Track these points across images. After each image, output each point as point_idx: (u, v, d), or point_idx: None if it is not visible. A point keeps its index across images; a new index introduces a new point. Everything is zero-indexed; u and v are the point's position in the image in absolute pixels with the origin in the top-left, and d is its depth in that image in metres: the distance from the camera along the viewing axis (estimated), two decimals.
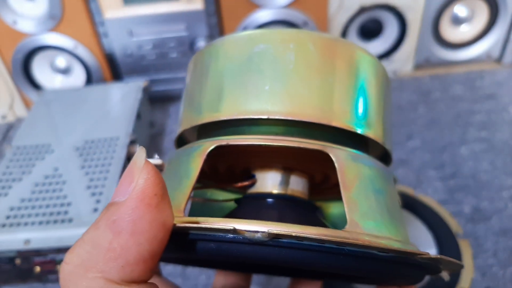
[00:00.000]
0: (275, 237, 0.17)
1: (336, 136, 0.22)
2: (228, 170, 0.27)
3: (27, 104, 0.80)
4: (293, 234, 0.16)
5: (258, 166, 0.26)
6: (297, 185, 0.25)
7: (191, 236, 0.18)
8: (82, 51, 0.72)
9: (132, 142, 0.60)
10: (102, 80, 0.75)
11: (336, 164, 0.20)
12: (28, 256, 0.50)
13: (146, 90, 0.70)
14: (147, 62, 0.74)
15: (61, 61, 0.75)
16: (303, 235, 0.16)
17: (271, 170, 0.25)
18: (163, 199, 0.16)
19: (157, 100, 0.78)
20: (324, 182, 0.28)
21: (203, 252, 0.18)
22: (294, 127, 0.22)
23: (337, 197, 0.30)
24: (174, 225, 0.17)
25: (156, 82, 0.76)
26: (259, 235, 0.16)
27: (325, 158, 0.22)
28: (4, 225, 0.50)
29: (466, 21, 0.76)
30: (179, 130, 0.26)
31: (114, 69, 0.76)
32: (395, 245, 0.18)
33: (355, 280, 0.29)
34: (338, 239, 0.17)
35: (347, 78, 0.22)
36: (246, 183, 0.25)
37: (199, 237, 0.18)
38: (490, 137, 0.64)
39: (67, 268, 0.15)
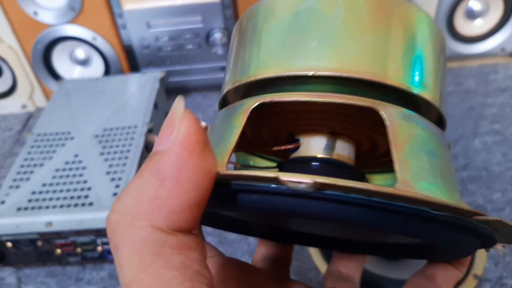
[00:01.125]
0: (320, 188, 0.16)
1: (387, 96, 0.21)
2: (271, 137, 0.27)
3: (46, 94, 0.82)
4: (340, 184, 0.15)
5: (302, 130, 0.25)
6: (343, 150, 0.24)
7: (234, 187, 0.17)
8: (101, 43, 0.74)
9: (150, 131, 0.61)
10: (120, 71, 0.77)
11: (387, 122, 0.19)
12: (49, 238, 0.52)
13: (162, 81, 0.71)
14: (163, 54, 0.75)
15: (80, 52, 0.77)
16: (351, 185, 0.15)
17: (316, 134, 0.24)
18: (206, 147, 0.16)
19: (173, 91, 0.79)
20: (371, 151, 0.27)
21: (244, 204, 0.17)
22: (343, 85, 0.21)
23: (384, 169, 0.29)
24: (218, 173, 0.16)
25: (172, 73, 0.77)
26: (303, 185, 0.16)
27: (375, 121, 0.21)
28: (26, 208, 0.52)
29: (481, 15, 0.77)
30: (223, 91, 0.25)
31: (131, 60, 0.77)
32: (451, 203, 0.17)
33: (400, 253, 0.28)
34: (389, 192, 0.16)
35: (401, 35, 0.21)
36: (289, 146, 0.25)
37: (241, 187, 0.17)
38: (503, 130, 0.65)
39: (114, 217, 0.15)
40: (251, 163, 0.31)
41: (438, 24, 0.75)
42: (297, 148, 0.25)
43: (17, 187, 0.55)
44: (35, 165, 0.57)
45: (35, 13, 0.71)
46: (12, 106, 0.83)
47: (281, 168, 0.26)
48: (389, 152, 0.26)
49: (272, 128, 0.26)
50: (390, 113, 0.20)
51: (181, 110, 0.16)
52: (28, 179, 0.56)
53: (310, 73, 0.20)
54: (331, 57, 0.20)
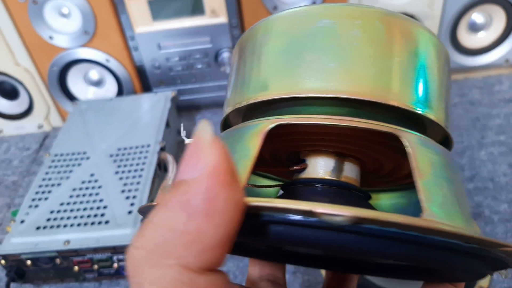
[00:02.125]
0: (357, 222, 0.15)
1: (398, 119, 0.21)
2: (272, 155, 0.26)
3: (62, 114, 0.85)
4: (379, 219, 0.15)
5: (308, 151, 0.24)
6: (351, 172, 0.24)
7: (264, 218, 0.16)
8: (114, 64, 0.76)
9: (162, 149, 0.63)
10: (132, 91, 0.79)
11: (409, 149, 0.19)
12: (67, 255, 0.54)
13: (174, 100, 0.73)
14: (174, 73, 0.78)
15: (94, 73, 0.79)
16: (392, 220, 0.15)
17: (323, 154, 0.24)
18: (235, 178, 0.15)
19: (184, 109, 0.81)
20: (375, 171, 0.26)
21: (275, 236, 0.16)
22: (356, 108, 0.21)
23: (387, 187, 0.29)
24: (247, 204, 0.15)
25: (183, 92, 0.80)
26: (339, 218, 0.15)
27: (383, 143, 0.21)
28: (45, 227, 0.54)
29: (484, 28, 0.78)
30: (227, 110, 0.24)
31: (143, 80, 0.80)
32: (484, 238, 0.17)
33: (398, 274, 0.27)
34: (427, 226, 0.15)
35: (412, 58, 0.21)
36: (298, 167, 0.24)
37: (272, 219, 0.16)
38: (508, 141, 0.66)
39: (137, 254, 0.14)
40: (251, 181, 0.29)
41: (441, 38, 0.77)
42: (304, 168, 0.24)
43: (36, 206, 0.57)
44: (53, 185, 0.59)
45: (51, 37, 0.74)
46: (29, 126, 0.86)
47: (287, 189, 0.25)
48: (394, 172, 0.26)
49: (275, 147, 0.25)
50: (411, 140, 0.19)
51: (210, 137, 0.15)
52: (46, 198, 0.58)
53: (328, 95, 0.20)
54: (349, 80, 0.20)
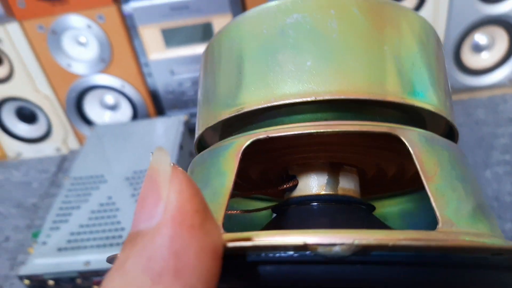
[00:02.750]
0: (361, 250, 0.13)
1: (392, 116, 0.19)
2: (261, 176, 0.23)
3: (78, 137, 0.88)
4: (390, 244, 0.12)
5: (298, 165, 0.21)
6: (348, 183, 0.21)
7: (250, 258, 0.13)
8: (129, 90, 0.79)
9: None
10: (146, 115, 0.82)
11: (410, 149, 0.16)
12: (87, 276, 0.56)
13: (186, 123, 0.76)
14: (187, 98, 0.81)
15: (110, 98, 0.83)
16: (401, 244, 0.12)
17: (314, 168, 0.21)
18: (207, 216, 0.12)
19: None
20: (377, 178, 0.23)
21: (266, 279, 0.14)
22: (345, 110, 0.18)
23: (391, 193, 0.26)
24: (225, 246, 0.13)
25: (195, 115, 0.82)
26: (337, 248, 0.12)
27: (380, 146, 0.19)
28: (66, 249, 0.57)
29: (487, 48, 0.80)
30: (198, 132, 0.21)
31: (157, 104, 0.83)
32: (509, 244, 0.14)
33: None
34: (447, 245, 0.13)
35: (399, 45, 0.18)
36: (287, 185, 0.21)
37: (259, 259, 0.13)
38: None
39: None
40: (235, 206, 0.26)
41: (445, 58, 0.79)
42: (294, 186, 0.21)
43: (57, 228, 0.60)
44: (72, 208, 0.62)
45: (69, 65, 0.78)
46: (47, 149, 0.89)
47: (278, 211, 0.22)
48: (398, 176, 0.23)
49: (262, 166, 0.22)
50: (411, 138, 0.17)
51: (168, 168, 0.12)
52: (66, 221, 0.60)
53: (310, 99, 0.17)
54: (332, 78, 0.17)
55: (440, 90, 0.19)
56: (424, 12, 0.75)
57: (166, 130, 0.74)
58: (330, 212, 0.20)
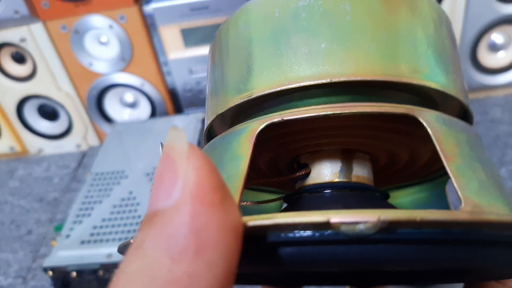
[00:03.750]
0: (386, 228, 0.12)
1: (406, 99, 0.19)
2: (269, 165, 0.23)
3: (98, 134, 0.90)
4: (418, 219, 0.12)
5: (309, 153, 0.21)
6: (362, 171, 0.20)
7: (271, 239, 0.13)
8: (148, 88, 0.81)
9: None
10: (165, 112, 0.84)
11: (429, 130, 0.16)
12: (109, 268, 0.58)
13: (204, 121, 0.78)
14: (204, 96, 0.82)
15: (129, 96, 0.85)
16: (428, 219, 0.12)
17: (326, 155, 0.20)
18: (226, 194, 0.11)
19: None
20: (390, 166, 0.23)
21: (287, 261, 0.13)
22: (360, 93, 0.18)
23: (402, 183, 0.25)
24: (246, 226, 0.12)
25: None
26: (361, 226, 0.12)
27: (394, 130, 0.19)
28: (89, 242, 0.59)
29: (503, 47, 0.80)
30: (208, 121, 0.21)
31: (175, 102, 0.85)
32: None
33: (435, 279, 0.23)
34: (474, 219, 0.13)
35: (413, 27, 0.18)
36: (300, 173, 0.20)
37: (281, 239, 0.13)
38: None
39: None
40: (249, 198, 0.26)
41: (461, 57, 0.79)
42: (307, 174, 0.20)
43: (80, 222, 0.62)
44: (95, 202, 0.64)
45: (90, 64, 0.80)
46: (68, 145, 0.91)
47: (290, 201, 0.21)
48: (410, 164, 0.23)
49: (271, 154, 0.22)
50: (430, 119, 0.16)
51: (184, 146, 0.11)
52: (89, 215, 0.62)
53: (325, 81, 0.17)
54: (347, 60, 0.17)
55: (454, 73, 0.19)
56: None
57: (184, 127, 0.76)
58: (344, 198, 0.20)
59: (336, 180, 0.20)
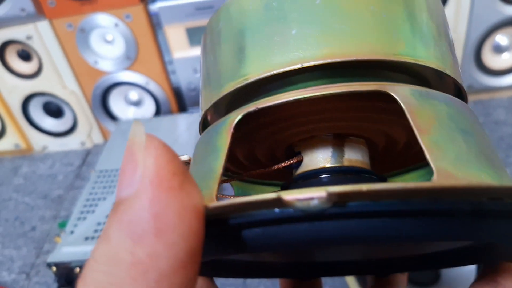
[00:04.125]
0: (338, 202, 0.12)
1: (392, 78, 0.18)
2: (268, 156, 0.23)
3: (103, 132, 0.90)
4: (364, 190, 0.12)
5: (302, 141, 0.21)
6: (354, 154, 0.20)
7: (230, 222, 0.13)
8: (153, 86, 0.82)
9: None
10: (169, 111, 0.85)
11: (402, 104, 0.16)
12: None
13: None
14: None
15: (134, 94, 0.85)
16: (379, 188, 0.12)
17: (318, 142, 0.21)
18: (186, 177, 0.12)
19: None
20: (389, 148, 0.23)
21: (247, 242, 0.13)
22: (337, 76, 0.18)
23: (409, 167, 0.25)
24: (206, 208, 0.13)
25: None
26: (315, 201, 0.12)
27: (386, 110, 0.18)
28: (93, 238, 0.59)
29: (508, 49, 0.80)
30: (201, 114, 0.21)
31: (180, 101, 0.85)
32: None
33: (446, 262, 0.22)
34: (433, 186, 0.12)
35: (388, 2, 0.18)
36: (290, 161, 0.21)
37: (238, 221, 0.13)
38: None
39: None
40: (252, 193, 0.25)
41: (466, 59, 0.80)
42: (300, 162, 0.21)
43: (84, 218, 0.62)
44: (99, 199, 0.64)
45: (95, 62, 0.81)
46: (72, 143, 0.92)
47: (285, 189, 0.21)
48: (409, 146, 0.22)
49: (267, 145, 0.22)
50: (403, 93, 0.16)
51: (143, 137, 0.12)
52: (93, 211, 0.63)
53: (296, 66, 0.17)
54: (317, 43, 0.17)
55: (438, 46, 0.18)
56: (446, 11, 0.75)
57: (188, 126, 0.76)
58: (337, 183, 0.19)
59: (328, 165, 0.20)
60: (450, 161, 0.14)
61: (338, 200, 0.12)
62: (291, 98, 0.17)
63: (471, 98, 0.83)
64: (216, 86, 0.19)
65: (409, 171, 0.26)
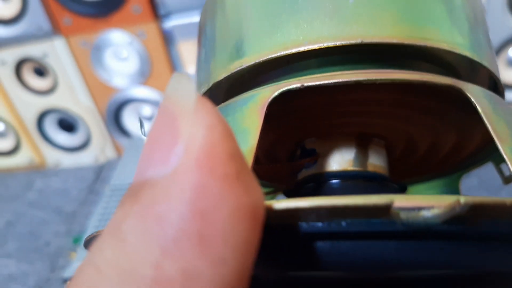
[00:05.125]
0: (469, 216, 0.09)
1: (436, 71, 0.16)
2: (267, 153, 0.20)
3: (116, 147, 0.91)
4: (508, 204, 0.09)
5: (316, 136, 0.18)
6: (378, 159, 0.18)
7: (304, 229, 0.09)
8: None
9: None
10: None
11: (478, 108, 0.14)
12: None
13: None
14: None
15: (147, 109, 0.86)
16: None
17: (339, 140, 0.18)
18: (244, 165, 0.08)
19: None
20: (406, 156, 0.20)
21: (319, 262, 0.10)
22: (385, 62, 0.15)
23: (417, 179, 0.23)
24: (271, 210, 0.09)
25: None
26: (427, 213, 0.09)
27: (425, 109, 0.16)
28: None
29: None
30: (205, 87, 0.17)
31: None
32: None
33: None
34: None
35: None
36: (307, 159, 0.17)
37: (312, 230, 0.09)
38: None
39: None
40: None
41: None
42: (314, 161, 0.17)
43: None
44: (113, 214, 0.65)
45: (109, 78, 0.82)
46: (85, 158, 0.93)
47: (292, 194, 0.18)
48: (430, 153, 0.20)
49: (271, 139, 0.19)
50: (478, 94, 0.14)
51: (192, 96, 0.08)
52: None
53: (356, 41, 0.14)
54: (379, 20, 0.14)
55: (474, 34, 0.17)
56: None
57: None
58: (357, 190, 0.17)
59: (350, 168, 0.17)
60: None
61: (470, 213, 0.09)
62: (352, 79, 0.13)
63: None
64: (237, 55, 0.15)
65: (416, 182, 0.23)
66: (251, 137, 0.13)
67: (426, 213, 0.09)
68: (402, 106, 0.17)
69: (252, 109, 0.13)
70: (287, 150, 0.19)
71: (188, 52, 0.78)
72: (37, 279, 0.71)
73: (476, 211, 0.09)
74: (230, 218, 0.08)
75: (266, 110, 0.13)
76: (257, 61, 0.14)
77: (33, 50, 0.79)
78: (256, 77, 0.16)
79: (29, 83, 0.85)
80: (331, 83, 0.13)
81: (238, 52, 0.15)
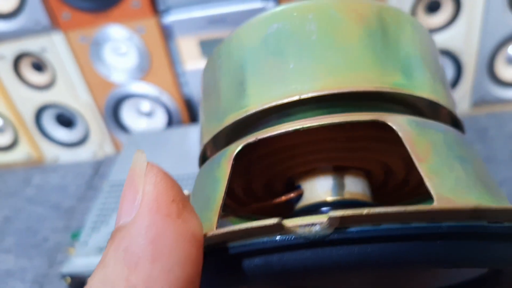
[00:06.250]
0: (340, 226, 0.12)
1: (386, 108, 0.19)
2: (266, 190, 0.23)
3: (115, 143, 0.91)
4: (365, 213, 0.12)
5: (301, 174, 0.21)
6: (355, 186, 0.20)
7: (230, 251, 0.13)
8: (165, 98, 0.82)
9: None
10: (181, 122, 0.85)
11: (399, 133, 0.16)
12: None
13: None
14: None
15: (146, 105, 0.86)
16: (381, 211, 0.12)
17: (318, 174, 0.20)
18: (184, 205, 0.12)
19: None
20: (387, 181, 0.23)
21: (247, 272, 0.13)
22: (335, 106, 0.18)
23: (409, 201, 0.25)
24: (205, 236, 0.13)
25: None
26: (317, 227, 0.12)
27: (384, 140, 0.18)
28: None
29: None
30: (201, 147, 0.22)
31: (191, 113, 0.85)
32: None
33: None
34: (432, 209, 0.12)
35: (378, 36, 0.18)
36: (290, 195, 0.21)
37: (238, 250, 0.13)
38: None
39: None
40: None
41: (478, 71, 0.79)
42: (300, 196, 0.21)
43: (98, 229, 0.62)
44: (112, 209, 0.65)
45: (108, 74, 0.81)
46: (84, 154, 0.92)
47: None
48: (408, 178, 0.22)
49: (266, 178, 0.22)
50: (400, 123, 0.16)
51: (144, 165, 0.12)
52: (106, 222, 0.63)
53: (294, 98, 0.17)
54: (314, 76, 0.18)
55: (431, 78, 0.19)
56: (459, 23, 0.75)
57: (199, 137, 0.76)
58: None
59: (329, 198, 0.20)
60: (450, 187, 0.15)
61: (339, 225, 0.12)
62: (290, 129, 0.17)
63: (484, 110, 0.82)
64: (217, 119, 0.20)
65: (421, 202, 0.25)
66: (221, 185, 0.17)
67: (315, 228, 0.12)
68: (361, 140, 0.20)
69: (223, 162, 0.17)
70: (282, 187, 0.23)
71: (187, 47, 0.77)
72: (35, 274, 0.71)
73: (342, 222, 0.12)
74: (173, 242, 0.11)
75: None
76: (239, 118, 0.19)
77: (31, 45, 0.79)
78: (243, 130, 0.20)
79: (28, 78, 0.85)
80: (277, 134, 0.17)
81: (236, 106, 0.19)
